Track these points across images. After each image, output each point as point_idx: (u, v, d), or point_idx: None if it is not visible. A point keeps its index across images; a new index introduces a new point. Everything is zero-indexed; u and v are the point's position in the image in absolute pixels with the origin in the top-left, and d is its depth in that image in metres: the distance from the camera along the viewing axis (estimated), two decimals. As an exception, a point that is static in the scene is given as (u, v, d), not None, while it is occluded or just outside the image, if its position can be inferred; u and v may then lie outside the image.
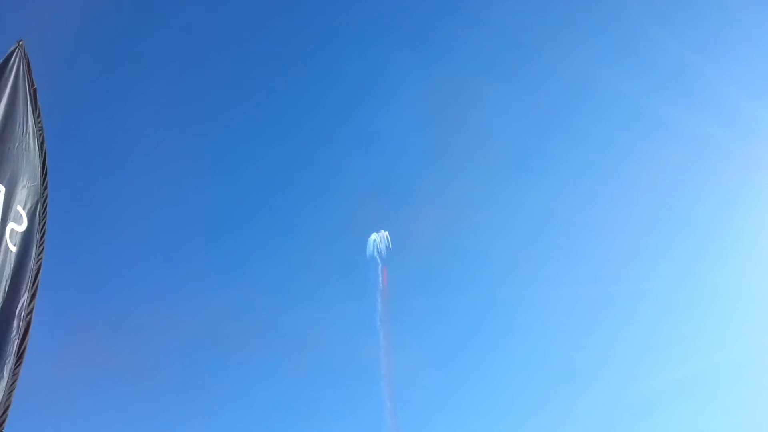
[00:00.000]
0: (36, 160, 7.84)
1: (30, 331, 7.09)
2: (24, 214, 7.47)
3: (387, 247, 50.58)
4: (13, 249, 7.16)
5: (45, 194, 7.85)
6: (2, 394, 6.58)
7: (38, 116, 7.99)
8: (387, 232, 51.62)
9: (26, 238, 7.42)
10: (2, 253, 7.00)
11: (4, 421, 6.58)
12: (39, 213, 7.70)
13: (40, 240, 7.61)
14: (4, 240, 7.06)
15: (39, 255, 7.52)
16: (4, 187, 7.22)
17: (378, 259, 53.51)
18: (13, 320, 6.95)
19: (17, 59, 7.94)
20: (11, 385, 6.70)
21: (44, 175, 7.93)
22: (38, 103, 8.03)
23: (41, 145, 7.94)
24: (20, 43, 8.04)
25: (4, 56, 7.84)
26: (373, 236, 53.66)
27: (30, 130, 7.84)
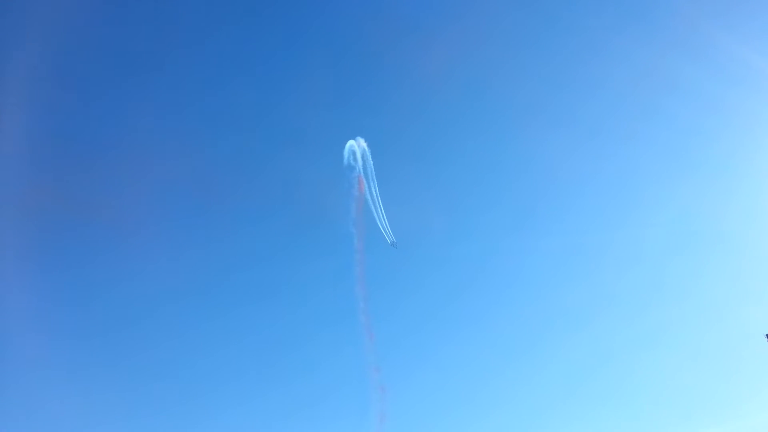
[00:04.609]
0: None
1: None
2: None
3: (363, 156, 47.80)
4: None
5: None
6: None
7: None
8: (365, 141, 48.43)
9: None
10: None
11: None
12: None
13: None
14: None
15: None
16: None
17: (355, 167, 50.05)
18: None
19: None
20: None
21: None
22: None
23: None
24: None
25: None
26: (350, 143, 50.21)
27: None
